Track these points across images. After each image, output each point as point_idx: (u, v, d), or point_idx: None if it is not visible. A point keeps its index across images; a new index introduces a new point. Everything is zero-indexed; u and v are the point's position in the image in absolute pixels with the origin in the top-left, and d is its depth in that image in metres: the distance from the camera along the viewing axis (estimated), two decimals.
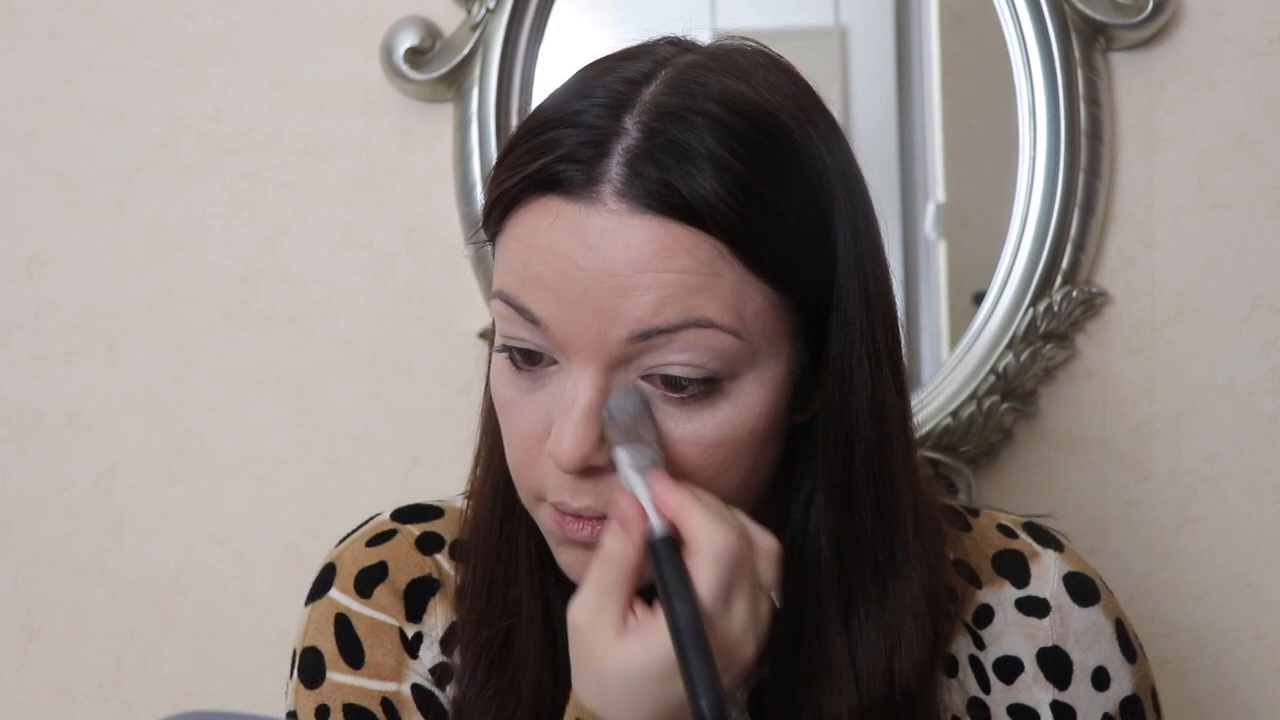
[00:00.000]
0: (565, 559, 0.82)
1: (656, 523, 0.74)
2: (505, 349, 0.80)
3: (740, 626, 0.74)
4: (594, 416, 0.76)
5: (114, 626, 1.40)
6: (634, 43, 0.83)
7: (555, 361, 0.78)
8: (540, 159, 0.76)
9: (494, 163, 0.81)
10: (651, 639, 0.72)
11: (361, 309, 1.37)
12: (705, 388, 0.77)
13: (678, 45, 0.82)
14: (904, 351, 0.85)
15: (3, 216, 1.38)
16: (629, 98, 0.76)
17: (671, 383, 0.76)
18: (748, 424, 0.78)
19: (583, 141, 0.75)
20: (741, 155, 0.75)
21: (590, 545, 0.79)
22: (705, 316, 0.75)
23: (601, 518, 0.78)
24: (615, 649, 0.73)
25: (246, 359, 1.38)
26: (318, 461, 1.38)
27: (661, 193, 0.74)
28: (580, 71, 0.82)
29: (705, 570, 0.72)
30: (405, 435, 1.37)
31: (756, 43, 0.84)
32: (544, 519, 0.82)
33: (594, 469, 0.77)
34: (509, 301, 0.78)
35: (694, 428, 0.77)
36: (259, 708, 1.33)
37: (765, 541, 0.76)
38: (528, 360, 0.79)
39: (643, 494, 0.75)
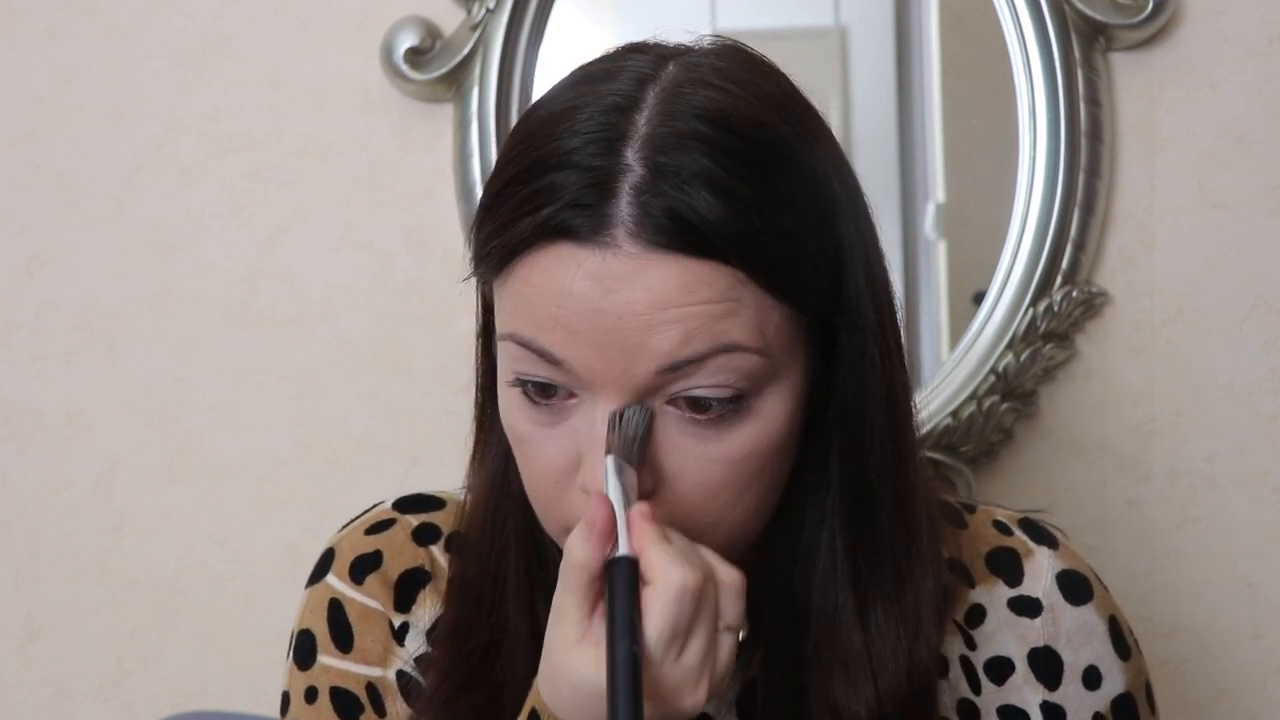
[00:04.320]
0: None
1: (623, 544, 0.73)
2: (519, 383, 0.78)
3: (691, 669, 0.72)
4: None
5: (114, 626, 1.40)
6: (602, 53, 0.81)
7: (573, 394, 0.77)
8: (545, 207, 0.74)
9: (480, 200, 0.79)
10: (602, 658, 0.71)
11: (361, 309, 1.37)
12: (733, 405, 0.76)
13: (649, 53, 0.80)
14: (904, 343, 0.85)
15: (3, 216, 1.38)
16: (622, 129, 0.74)
17: (698, 404, 0.76)
18: (771, 435, 0.78)
19: (585, 185, 0.73)
20: (745, 178, 0.74)
21: None
22: (732, 341, 0.74)
23: None
24: (570, 653, 0.72)
25: (246, 359, 1.38)
26: (318, 461, 1.38)
27: (674, 229, 0.73)
28: (559, 94, 0.79)
29: (658, 607, 0.71)
30: (405, 435, 1.37)
31: (729, 40, 0.82)
32: None
33: None
34: (526, 345, 0.76)
35: (722, 447, 0.77)
36: (259, 708, 1.33)
37: (729, 577, 0.74)
38: (543, 394, 0.78)
39: (619, 512, 0.73)
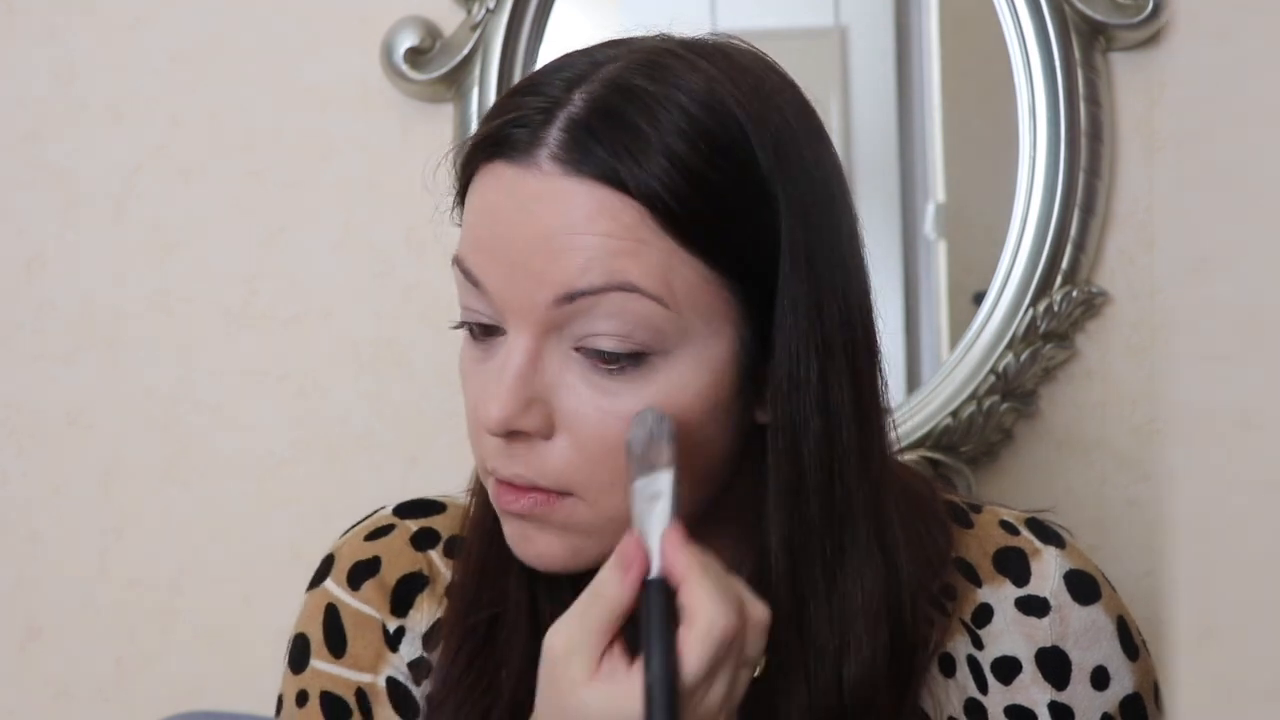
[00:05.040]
0: (508, 531, 0.82)
1: (656, 568, 0.72)
2: (464, 322, 0.81)
3: (715, 704, 0.72)
4: (522, 379, 0.77)
5: (114, 626, 1.40)
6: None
7: (505, 333, 0.79)
8: (495, 121, 0.79)
9: None
10: (622, 690, 0.70)
11: (361, 309, 1.37)
12: (633, 361, 0.77)
13: (666, 39, 0.83)
14: (879, 345, 0.84)
15: (3, 216, 1.38)
16: (584, 73, 0.79)
17: (602, 355, 0.77)
18: (681, 404, 0.78)
19: (535, 108, 0.78)
20: (680, 128, 0.76)
21: (527, 518, 0.80)
22: (629, 280, 0.76)
23: (533, 488, 0.79)
24: (584, 689, 0.71)
25: (246, 359, 1.38)
26: (318, 461, 1.38)
27: (591, 157, 0.76)
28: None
29: (697, 646, 0.70)
30: (405, 435, 1.37)
31: (750, 45, 0.84)
32: (491, 492, 0.83)
33: (521, 434, 0.78)
34: (460, 265, 0.80)
35: (623, 401, 0.77)
36: (259, 708, 1.32)
37: (757, 613, 0.74)
38: (484, 333, 0.80)
39: (653, 540, 0.73)
